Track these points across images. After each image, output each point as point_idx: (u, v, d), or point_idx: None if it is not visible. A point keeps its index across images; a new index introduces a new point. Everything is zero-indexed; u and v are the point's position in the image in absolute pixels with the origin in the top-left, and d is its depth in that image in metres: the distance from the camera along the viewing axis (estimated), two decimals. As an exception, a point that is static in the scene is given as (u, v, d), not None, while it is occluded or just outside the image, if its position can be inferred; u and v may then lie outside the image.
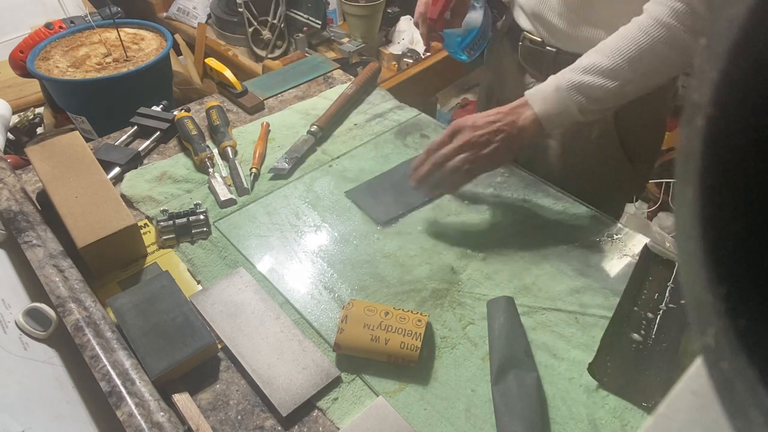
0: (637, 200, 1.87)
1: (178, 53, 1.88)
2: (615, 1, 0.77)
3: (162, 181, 0.88)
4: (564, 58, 0.85)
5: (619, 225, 0.81)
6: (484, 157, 0.74)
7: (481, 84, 1.18)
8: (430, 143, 0.78)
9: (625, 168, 0.95)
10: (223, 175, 0.89)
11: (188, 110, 1.02)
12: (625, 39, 0.68)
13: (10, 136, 1.44)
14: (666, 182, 1.82)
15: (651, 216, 1.85)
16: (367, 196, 0.86)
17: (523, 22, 0.91)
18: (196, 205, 0.81)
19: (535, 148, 0.98)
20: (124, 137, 0.96)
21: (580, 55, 0.75)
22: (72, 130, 1.10)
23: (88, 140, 0.87)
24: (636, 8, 0.69)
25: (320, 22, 1.60)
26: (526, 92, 0.74)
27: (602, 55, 0.69)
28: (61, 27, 1.41)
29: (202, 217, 0.79)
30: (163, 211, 0.79)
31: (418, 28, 0.94)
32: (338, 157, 0.94)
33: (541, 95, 0.72)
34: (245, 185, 0.87)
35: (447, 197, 0.86)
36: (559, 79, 0.72)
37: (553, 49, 0.86)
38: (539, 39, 0.88)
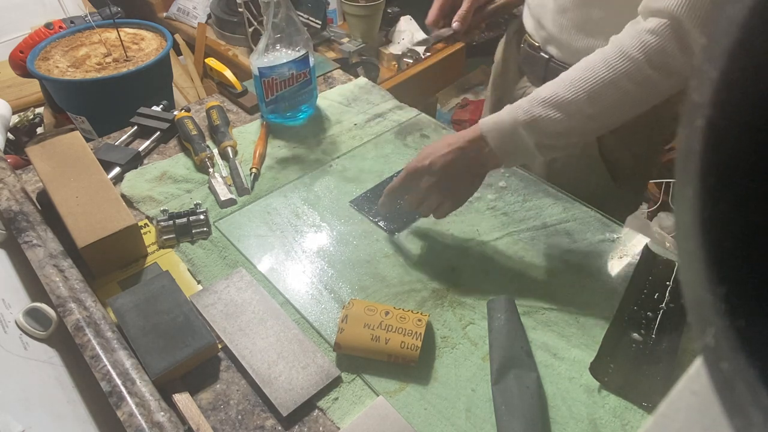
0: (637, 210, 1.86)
1: (178, 53, 1.88)
2: (606, 8, 0.72)
3: (162, 181, 0.88)
4: (555, 67, 0.81)
5: (619, 225, 0.81)
6: (451, 198, 0.72)
7: (491, 84, 1.10)
8: (389, 185, 0.74)
9: (609, 189, 0.91)
10: (223, 175, 0.89)
11: (188, 110, 1.02)
12: (586, 70, 0.62)
13: (10, 136, 1.44)
14: (666, 182, 1.82)
15: (651, 216, 1.85)
16: (373, 206, 0.84)
17: (528, 22, 0.87)
18: (196, 205, 0.81)
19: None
20: (124, 137, 0.96)
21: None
22: (72, 130, 1.10)
23: (88, 140, 0.87)
24: (629, 19, 0.63)
25: (320, 22, 1.60)
26: (481, 122, 0.67)
27: (562, 86, 0.63)
28: (61, 27, 1.40)
29: (202, 217, 0.79)
30: (163, 211, 0.79)
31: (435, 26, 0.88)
32: (338, 157, 0.94)
33: (497, 130, 0.66)
34: (245, 185, 0.87)
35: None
36: (516, 110, 0.65)
37: (546, 56, 0.84)
38: (537, 43, 0.85)
